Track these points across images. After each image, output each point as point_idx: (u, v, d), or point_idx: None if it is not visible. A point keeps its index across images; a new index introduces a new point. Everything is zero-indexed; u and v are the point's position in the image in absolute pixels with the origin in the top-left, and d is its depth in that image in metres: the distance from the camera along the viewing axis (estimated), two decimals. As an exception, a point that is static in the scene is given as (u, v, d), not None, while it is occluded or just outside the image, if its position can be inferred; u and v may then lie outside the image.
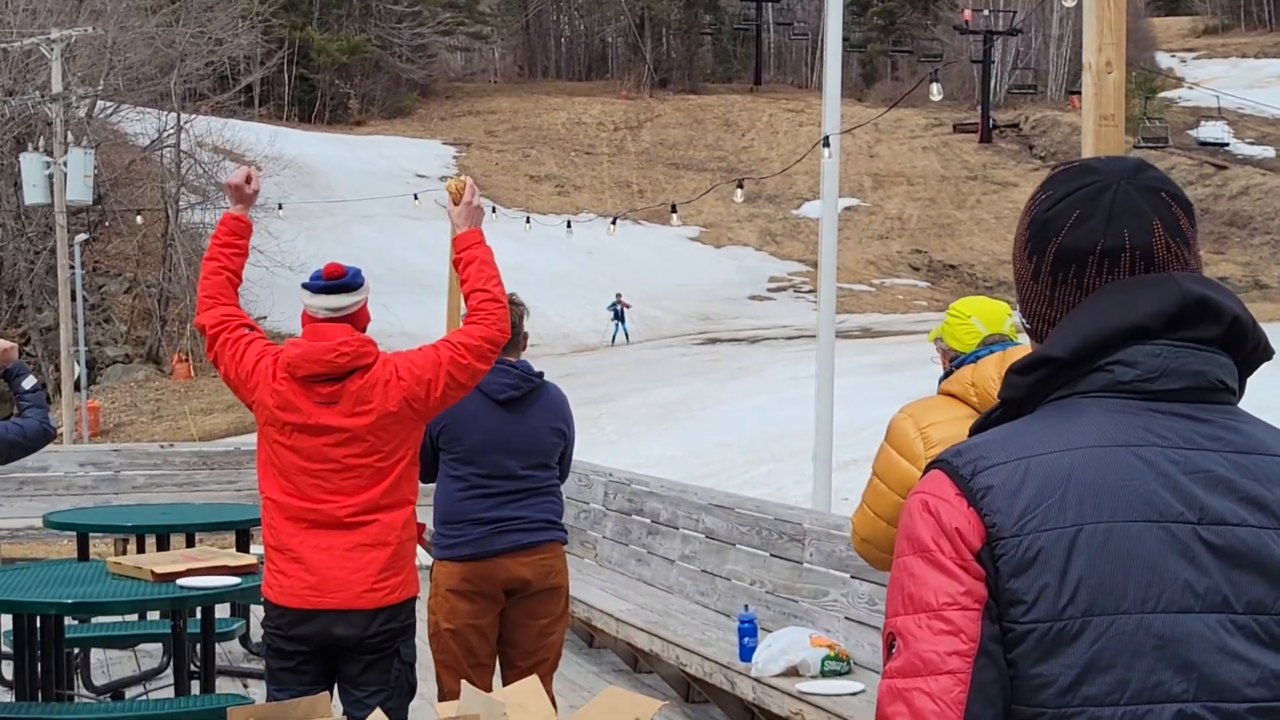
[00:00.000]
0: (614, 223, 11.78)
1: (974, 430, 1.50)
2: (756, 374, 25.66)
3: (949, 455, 1.44)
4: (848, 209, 53.55)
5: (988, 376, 3.53)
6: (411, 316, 35.53)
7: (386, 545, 3.91)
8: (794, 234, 55.47)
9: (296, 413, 3.91)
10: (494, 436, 4.74)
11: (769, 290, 48.97)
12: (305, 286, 4.04)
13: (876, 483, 3.63)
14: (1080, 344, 1.45)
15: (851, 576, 5.65)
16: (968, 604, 1.37)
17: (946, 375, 3.68)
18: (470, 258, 4.11)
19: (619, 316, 40.06)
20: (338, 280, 4.00)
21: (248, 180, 4.25)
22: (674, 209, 10.05)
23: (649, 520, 7.61)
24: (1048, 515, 1.37)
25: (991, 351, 3.60)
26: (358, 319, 4.04)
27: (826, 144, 7.90)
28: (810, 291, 47.88)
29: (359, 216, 46.49)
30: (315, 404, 3.90)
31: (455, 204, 4.20)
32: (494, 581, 4.72)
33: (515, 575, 4.73)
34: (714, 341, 37.03)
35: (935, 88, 10.81)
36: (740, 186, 8.93)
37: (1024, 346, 3.60)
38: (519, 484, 4.77)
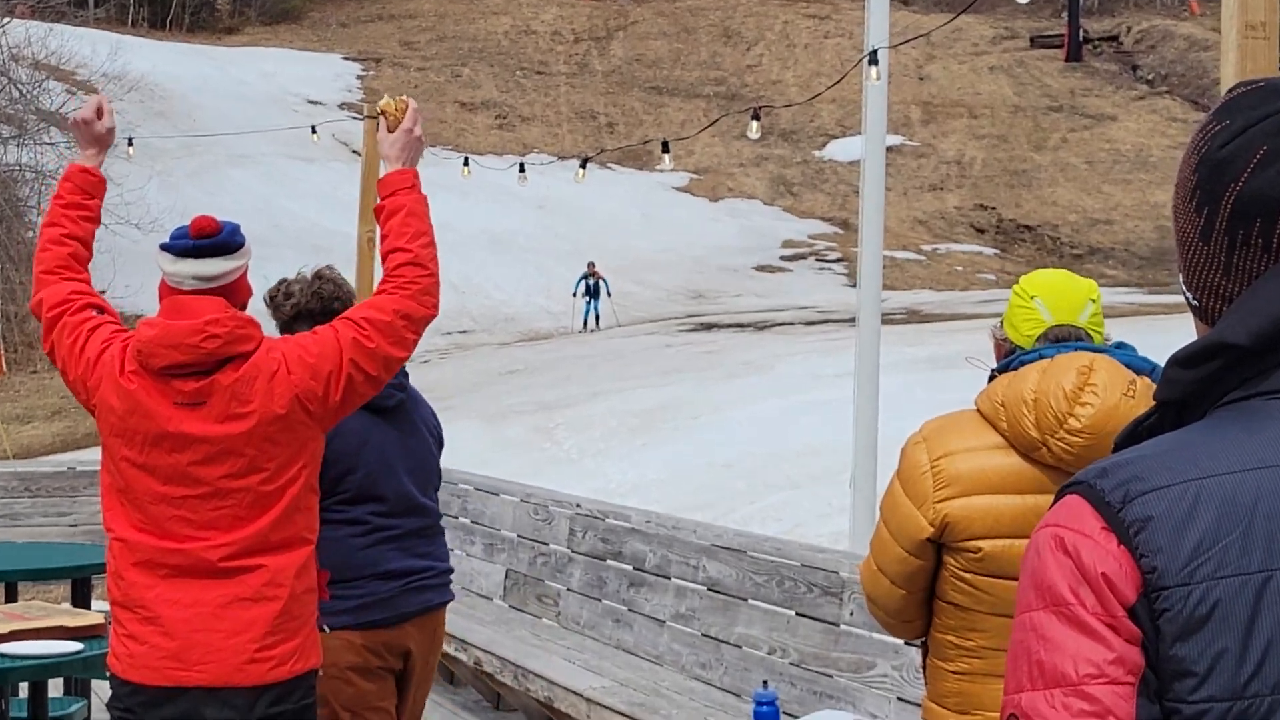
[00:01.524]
0: (584, 166, 11.67)
1: (1121, 442, 1.50)
2: (766, 370, 25.72)
3: (1091, 475, 1.44)
4: (889, 149, 53.70)
5: (1020, 396, 3.45)
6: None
7: (274, 600, 3.88)
8: (816, 183, 55.66)
9: (150, 418, 3.88)
10: (391, 459, 4.84)
11: (783, 259, 49.12)
12: (165, 248, 4.02)
13: (880, 525, 3.62)
14: (1269, 326, 1.45)
15: (906, 642, 5.66)
16: (1118, 676, 1.37)
17: (991, 379, 3.62)
18: (396, 206, 4.09)
19: (592, 292, 39.62)
20: (210, 239, 3.99)
21: (99, 114, 4.25)
22: (666, 147, 9.95)
23: (630, 567, 7.62)
24: (1226, 557, 1.38)
25: (1042, 356, 3.53)
26: (235, 292, 4.02)
27: (874, 61, 7.88)
28: (838, 260, 48.03)
29: (232, 157, 46.36)
30: (175, 406, 3.87)
31: (390, 131, 4.18)
32: (397, 653, 4.83)
33: (416, 646, 4.89)
34: (709, 327, 37.11)
35: (1020, -14, 10.78)
36: (756, 118, 8.87)
37: (1085, 355, 3.50)
38: (423, 520, 4.92)
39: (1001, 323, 3.74)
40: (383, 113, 4.18)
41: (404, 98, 4.23)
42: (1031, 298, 3.65)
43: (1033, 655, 1.41)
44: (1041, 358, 3.51)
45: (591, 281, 39.63)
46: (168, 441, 3.87)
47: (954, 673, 3.55)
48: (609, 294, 39.64)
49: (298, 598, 3.93)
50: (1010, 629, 1.47)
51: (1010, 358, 3.60)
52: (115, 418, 3.93)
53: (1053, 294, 3.65)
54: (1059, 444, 3.40)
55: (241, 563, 3.88)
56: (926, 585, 3.58)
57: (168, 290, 4.00)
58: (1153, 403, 1.52)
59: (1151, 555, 1.39)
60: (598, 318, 39.34)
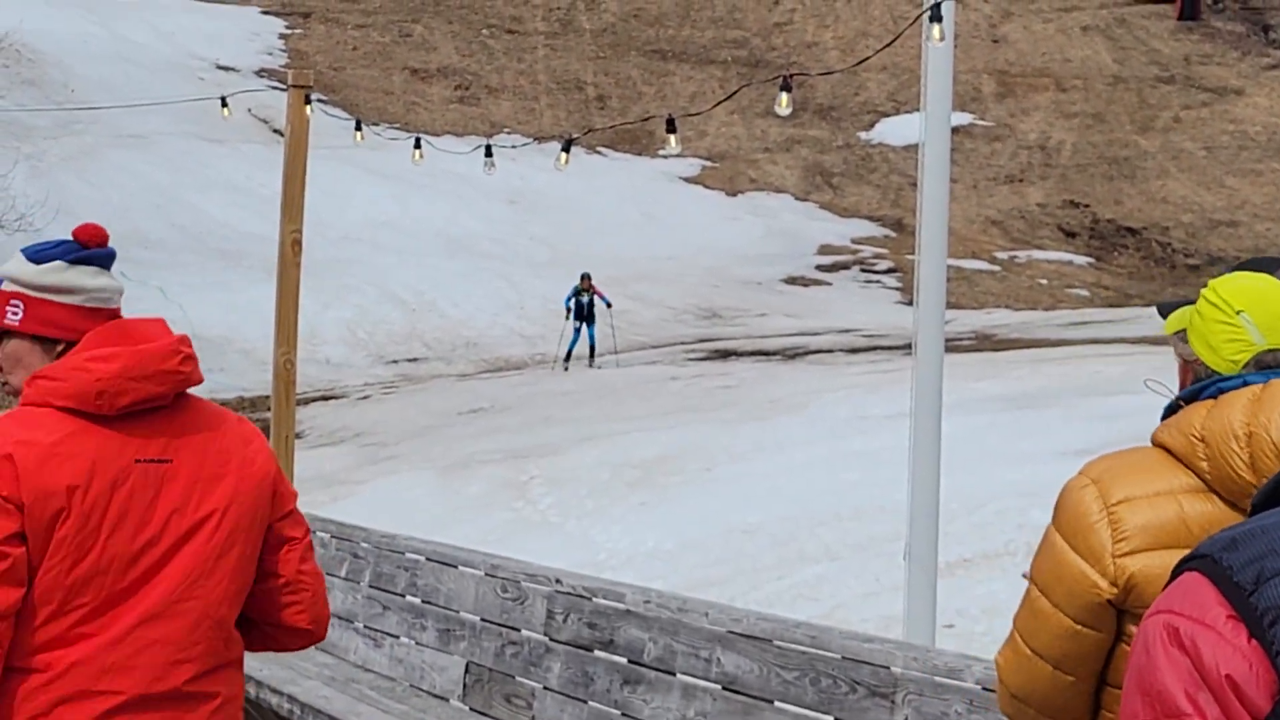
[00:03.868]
0: (566, 150, 11.63)
1: (1260, 503, 1.49)
2: (798, 411, 25.72)
3: (1214, 548, 1.43)
4: (955, 130, 53.77)
5: (1228, 430, 3.47)
6: (211, 309, 35.44)
7: None
8: (862, 173, 55.74)
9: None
10: None
11: (820, 269, 49.17)
12: (56, 257, 4.04)
13: (1035, 596, 3.61)
14: None
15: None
16: (1246, 807, 1.38)
17: (1170, 410, 3.65)
18: None
19: (583, 314, 37.68)
20: (107, 249, 4.12)
21: None
22: (671, 127, 9.88)
23: (625, 660, 7.60)
24: None
25: (1247, 383, 3.54)
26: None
27: (937, 17, 7.90)
28: (889, 271, 48.06)
29: (120, 137, 46.39)
30: (135, 463, 3.92)
31: None
32: None
33: None
34: (726, 355, 37.10)
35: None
36: (787, 90, 8.83)
37: None
38: None
39: (1186, 334, 3.72)
40: None
41: None
42: (1238, 312, 3.63)
43: None
44: (1248, 385, 3.54)
45: (586, 299, 37.46)
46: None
47: None
48: (609, 308, 37.39)
49: None
50: None
51: (1203, 384, 3.62)
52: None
53: (1265, 308, 3.64)
54: None
55: (201, 687, 4.00)
56: (1100, 669, 3.57)
57: (69, 315, 3.99)
58: None
59: (1294, 653, 1.41)
60: (592, 348, 37.29)
